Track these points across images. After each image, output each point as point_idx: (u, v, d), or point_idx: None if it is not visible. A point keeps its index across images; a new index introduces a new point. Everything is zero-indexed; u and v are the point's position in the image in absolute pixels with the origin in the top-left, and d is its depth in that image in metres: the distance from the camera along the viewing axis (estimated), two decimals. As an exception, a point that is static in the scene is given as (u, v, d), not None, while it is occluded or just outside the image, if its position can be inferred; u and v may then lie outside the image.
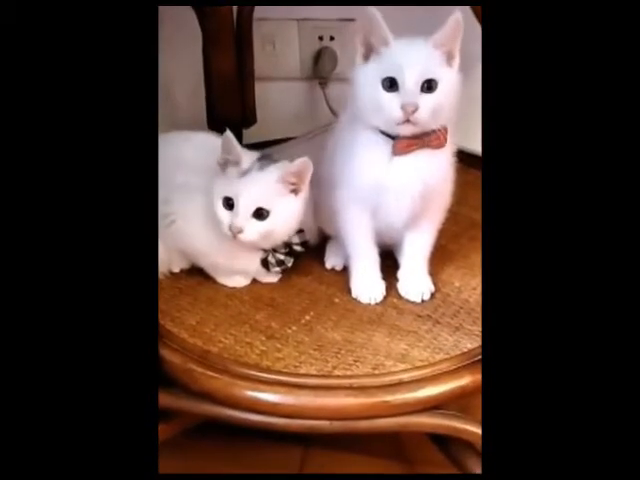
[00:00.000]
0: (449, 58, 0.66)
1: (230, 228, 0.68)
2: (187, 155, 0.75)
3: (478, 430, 0.64)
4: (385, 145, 0.68)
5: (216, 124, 0.97)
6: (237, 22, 0.94)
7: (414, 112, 0.64)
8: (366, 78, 0.66)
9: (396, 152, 0.68)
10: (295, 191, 0.70)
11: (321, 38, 1.06)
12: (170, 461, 0.69)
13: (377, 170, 0.69)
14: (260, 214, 0.69)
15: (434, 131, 0.67)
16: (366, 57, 0.67)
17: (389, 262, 0.77)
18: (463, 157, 0.97)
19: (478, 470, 0.69)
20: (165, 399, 0.65)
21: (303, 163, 0.69)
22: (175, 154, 0.74)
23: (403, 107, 0.64)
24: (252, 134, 0.97)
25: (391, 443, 0.85)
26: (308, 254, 0.77)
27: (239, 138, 0.97)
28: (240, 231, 0.68)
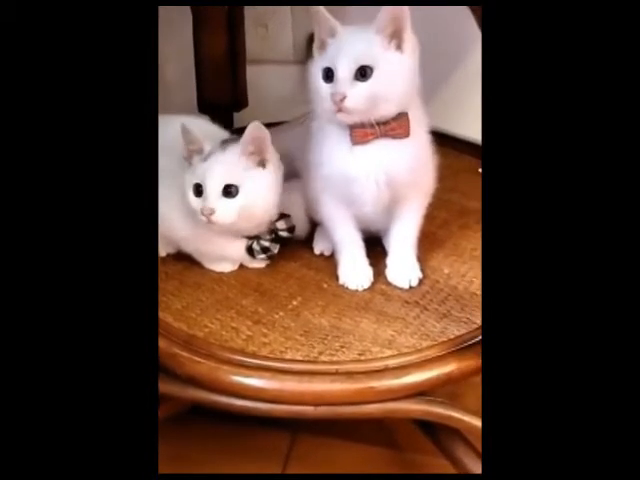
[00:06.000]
0: (398, 42, 0.65)
1: (202, 212, 0.67)
2: (169, 139, 0.74)
3: (464, 417, 0.64)
4: (345, 135, 0.67)
5: (207, 107, 0.96)
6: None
7: (342, 101, 0.63)
8: (313, 70, 0.67)
9: (354, 141, 0.67)
10: (262, 164, 0.70)
11: (314, 21, 1.04)
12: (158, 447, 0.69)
13: (339, 160, 0.68)
14: (229, 192, 0.68)
15: (391, 120, 0.66)
16: (321, 49, 0.67)
17: (379, 248, 0.77)
18: (455, 144, 0.97)
19: (465, 457, 0.69)
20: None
21: (254, 127, 0.68)
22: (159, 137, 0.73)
23: (331, 96, 0.63)
24: (243, 118, 0.96)
25: (379, 430, 0.85)
26: (296, 240, 0.77)
27: (230, 121, 0.97)
28: (212, 212, 0.67)
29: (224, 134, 0.77)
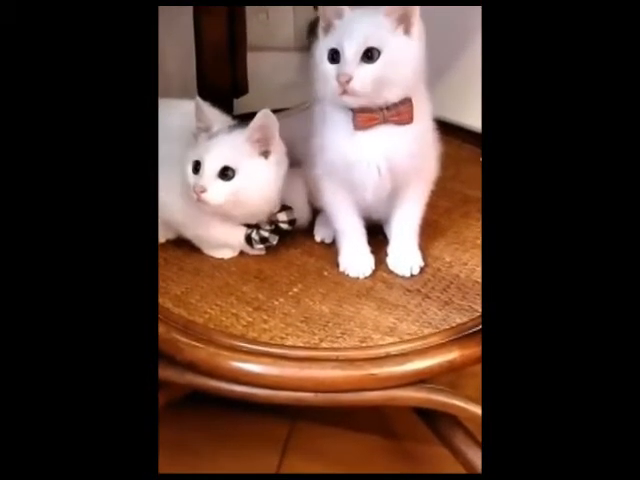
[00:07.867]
0: (407, 26, 0.64)
1: (194, 189, 0.66)
2: (172, 124, 0.73)
3: (465, 405, 0.64)
4: (347, 120, 0.67)
5: (207, 94, 0.95)
6: (230, -11, 0.92)
7: (348, 82, 0.62)
8: (318, 52, 0.66)
9: (357, 126, 0.66)
10: (266, 154, 0.69)
11: (316, 7, 1.03)
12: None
13: (341, 145, 0.68)
14: (226, 174, 0.67)
15: (395, 105, 0.65)
16: (326, 31, 0.67)
17: (381, 236, 0.76)
18: (458, 133, 0.96)
19: (464, 445, 0.69)
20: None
21: (264, 115, 0.67)
22: (159, 122, 0.72)
23: (337, 77, 0.63)
24: (243, 104, 0.95)
25: (378, 419, 0.85)
26: (297, 228, 0.76)
27: (230, 108, 0.96)
28: (203, 190, 0.66)
29: (228, 119, 0.76)
